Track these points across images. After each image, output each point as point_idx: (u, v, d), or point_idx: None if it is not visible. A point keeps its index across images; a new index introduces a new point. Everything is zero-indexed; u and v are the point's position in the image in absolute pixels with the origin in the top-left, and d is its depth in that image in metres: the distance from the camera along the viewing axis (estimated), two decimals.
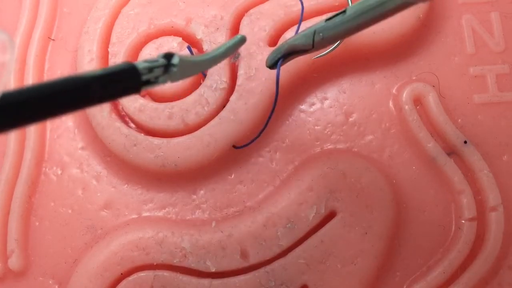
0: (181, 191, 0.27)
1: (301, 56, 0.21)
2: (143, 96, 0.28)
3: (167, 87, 0.27)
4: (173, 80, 0.17)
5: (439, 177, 0.26)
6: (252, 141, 0.26)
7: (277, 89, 0.23)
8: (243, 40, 0.21)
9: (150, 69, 0.16)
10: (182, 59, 0.17)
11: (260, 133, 0.26)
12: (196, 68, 0.19)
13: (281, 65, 0.22)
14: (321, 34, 0.19)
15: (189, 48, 0.27)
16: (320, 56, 0.26)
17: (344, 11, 0.18)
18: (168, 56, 0.17)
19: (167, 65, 0.17)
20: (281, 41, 0.27)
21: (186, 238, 0.25)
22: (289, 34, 0.27)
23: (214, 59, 0.20)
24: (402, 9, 0.16)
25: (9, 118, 0.12)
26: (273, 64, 0.22)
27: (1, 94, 0.12)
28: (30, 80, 0.29)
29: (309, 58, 0.27)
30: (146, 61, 0.16)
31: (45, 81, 0.14)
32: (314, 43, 0.19)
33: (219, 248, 0.25)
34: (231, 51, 0.21)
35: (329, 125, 0.28)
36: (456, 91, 0.28)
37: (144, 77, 0.16)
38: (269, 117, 0.25)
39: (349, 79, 0.28)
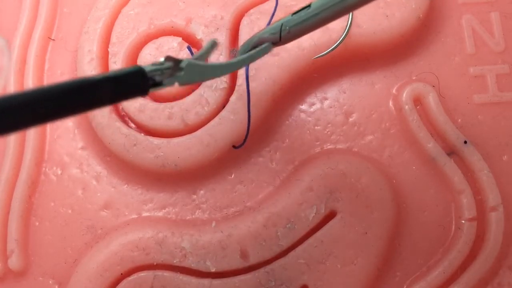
0: (181, 191, 0.27)
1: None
2: None
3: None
4: (180, 83, 0.18)
5: (439, 177, 0.26)
6: (245, 139, 0.26)
7: (247, 82, 0.23)
8: (266, 50, 0.21)
9: (157, 71, 0.17)
10: (190, 63, 0.18)
11: (248, 129, 0.26)
12: (203, 73, 0.19)
13: None
14: (287, 28, 0.19)
15: (189, 48, 0.27)
16: (320, 56, 0.26)
17: (309, 6, 0.18)
18: (176, 59, 0.17)
19: (174, 68, 0.17)
20: None
21: (186, 238, 0.25)
22: None
23: (223, 67, 0.20)
24: (364, 3, 0.17)
25: (21, 117, 0.13)
26: None
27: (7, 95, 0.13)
28: (30, 80, 0.29)
29: (309, 58, 0.27)
30: (153, 64, 0.17)
31: (57, 82, 0.14)
32: (281, 36, 0.20)
33: (219, 248, 0.25)
34: (250, 61, 0.21)
35: (329, 125, 0.28)
36: (456, 91, 0.28)
37: (151, 80, 0.17)
38: (249, 116, 0.25)
39: (349, 79, 0.28)
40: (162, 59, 0.17)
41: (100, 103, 0.15)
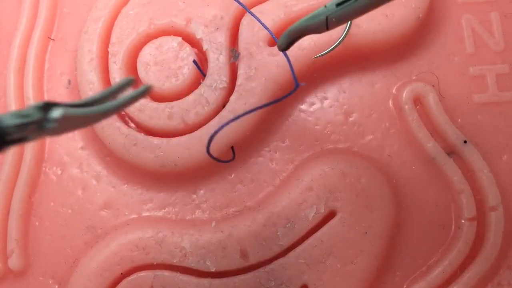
0: (181, 191, 0.27)
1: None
2: None
3: (166, 87, 0.27)
4: (52, 135, 0.15)
5: (439, 176, 0.26)
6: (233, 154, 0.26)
7: (292, 70, 0.23)
8: (147, 90, 0.18)
9: (21, 126, 0.14)
10: (65, 114, 0.14)
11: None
12: (84, 121, 0.16)
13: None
14: (333, 19, 0.20)
15: (195, 62, 0.27)
16: (320, 55, 0.26)
17: None
18: (46, 107, 0.14)
19: (43, 120, 0.14)
20: None
21: (186, 238, 0.25)
22: None
23: (106, 112, 0.17)
24: None
25: None
26: (286, 47, 0.23)
27: None
28: (30, 80, 0.29)
29: (309, 57, 0.27)
30: (18, 113, 0.14)
31: None
32: (328, 25, 0.20)
33: (219, 248, 0.25)
34: (129, 103, 0.18)
35: (329, 124, 0.28)
36: (456, 91, 0.28)
37: (10, 137, 0.13)
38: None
39: (349, 78, 0.28)
40: (30, 108, 0.14)
41: None
